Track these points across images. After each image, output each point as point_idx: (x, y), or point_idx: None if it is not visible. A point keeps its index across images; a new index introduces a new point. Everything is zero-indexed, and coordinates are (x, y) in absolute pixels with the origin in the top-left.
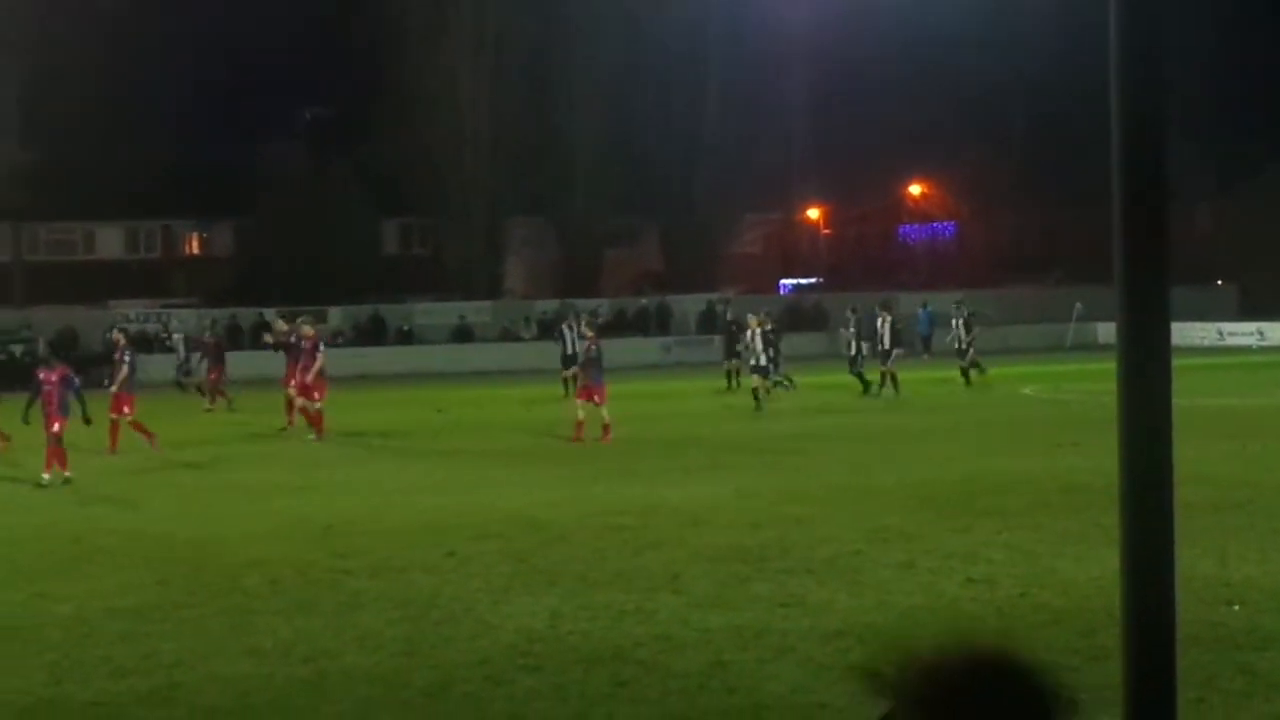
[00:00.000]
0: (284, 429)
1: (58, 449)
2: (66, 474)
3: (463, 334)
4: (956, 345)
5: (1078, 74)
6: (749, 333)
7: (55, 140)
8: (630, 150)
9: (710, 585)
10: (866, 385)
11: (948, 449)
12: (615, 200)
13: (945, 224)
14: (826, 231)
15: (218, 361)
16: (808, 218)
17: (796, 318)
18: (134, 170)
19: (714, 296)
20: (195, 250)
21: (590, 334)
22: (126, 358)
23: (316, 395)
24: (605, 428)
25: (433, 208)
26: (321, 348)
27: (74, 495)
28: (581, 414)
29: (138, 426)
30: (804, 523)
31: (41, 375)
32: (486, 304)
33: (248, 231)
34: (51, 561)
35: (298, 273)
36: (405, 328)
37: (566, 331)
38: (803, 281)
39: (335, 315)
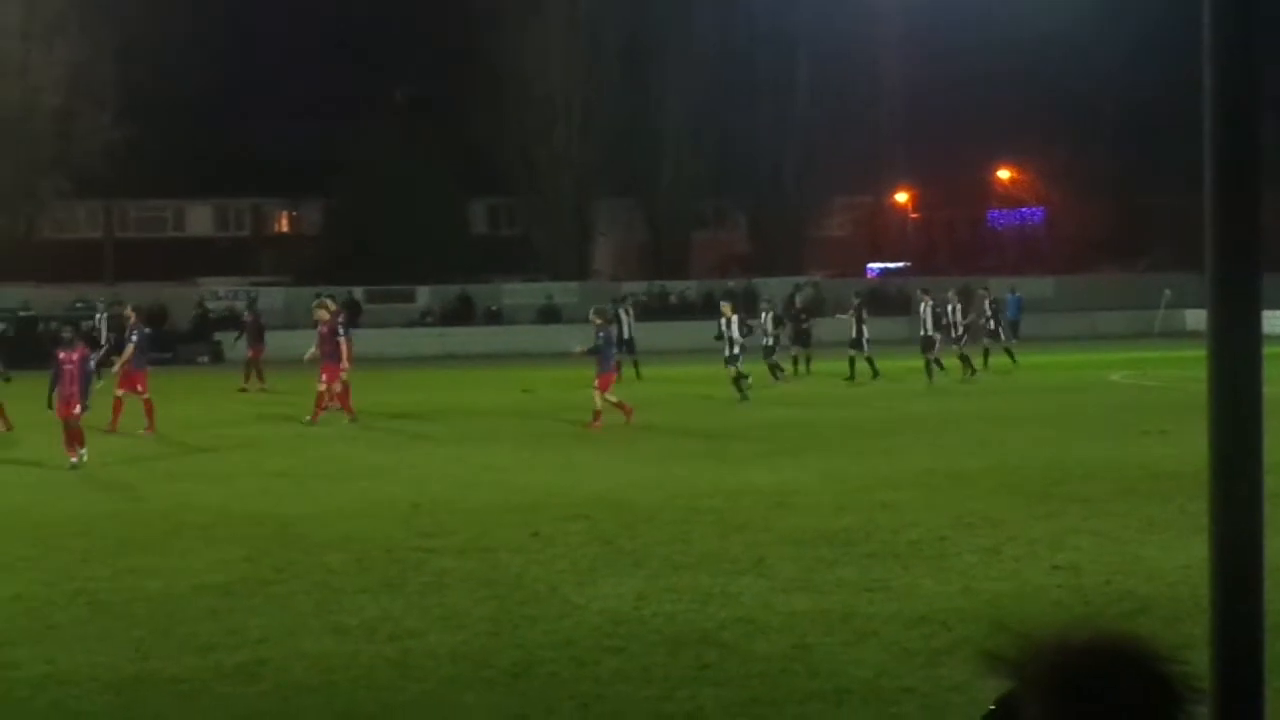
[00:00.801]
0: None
1: (76, 431)
2: (80, 457)
3: (550, 314)
4: (988, 329)
5: (1170, 58)
6: (723, 320)
7: (147, 117)
8: (720, 132)
9: (795, 569)
10: (940, 367)
11: (1034, 434)
12: (704, 182)
13: (1034, 209)
14: (915, 215)
15: (256, 340)
16: (896, 201)
17: (881, 302)
18: (224, 148)
19: (801, 279)
20: (284, 228)
21: (598, 320)
22: (135, 336)
23: (325, 377)
24: (596, 414)
25: (522, 188)
26: (341, 331)
27: (163, 471)
28: (608, 400)
29: (148, 406)
30: (889, 507)
31: (61, 356)
32: (574, 285)
33: (337, 210)
34: (140, 538)
35: (386, 252)
36: (493, 308)
37: (623, 315)
38: (890, 265)
39: (423, 295)
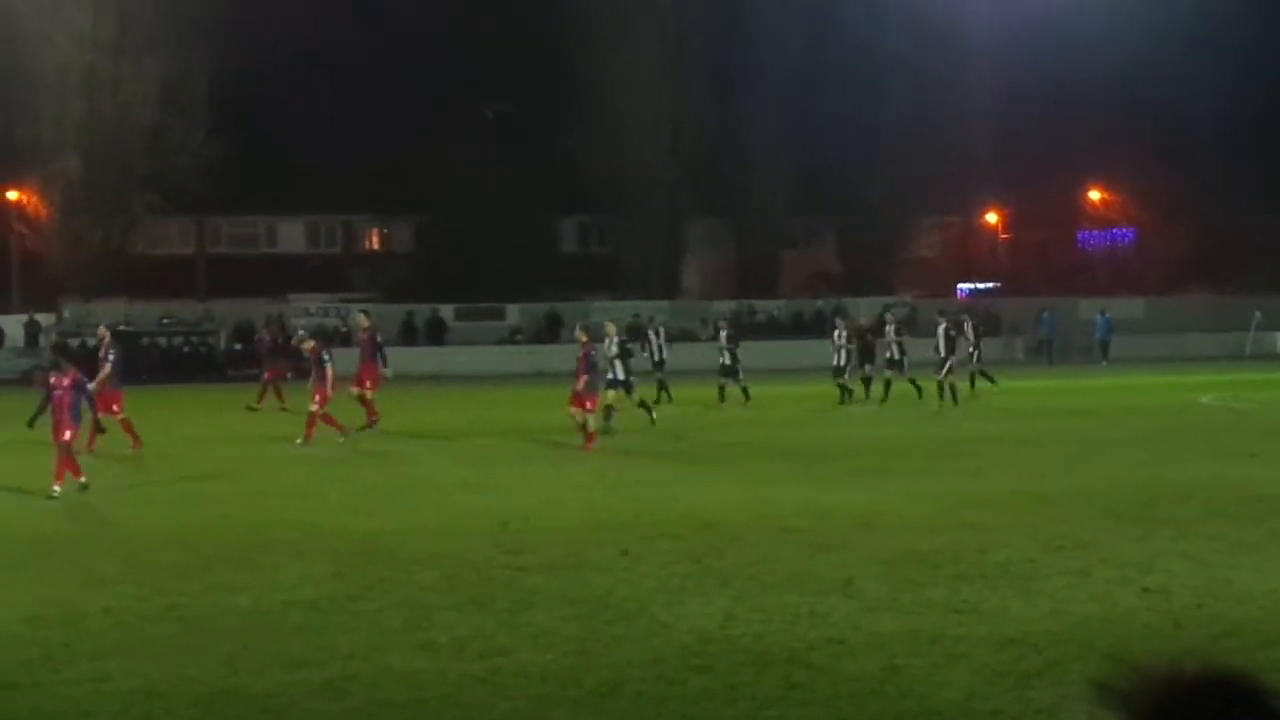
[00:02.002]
0: (364, 427)
1: (69, 458)
2: (82, 480)
3: (639, 333)
4: (970, 351)
5: (1263, 80)
6: (607, 340)
7: (240, 134)
8: (810, 150)
9: (883, 589)
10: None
11: (1124, 456)
12: (794, 201)
13: (1125, 230)
14: (1005, 236)
15: (272, 360)
16: (986, 222)
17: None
18: (316, 165)
19: (890, 300)
20: (375, 246)
21: (584, 339)
22: (111, 355)
23: (319, 399)
24: (589, 435)
25: (612, 206)
26: (326, 357)
27: (255, 486)
28: (585, 420)
29: (126, 425)
30: (978, 528)
31: (53, 380)
32: (664, 303)
33: (427, 228)
34: (230, 553)
35: (476, 270)
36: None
37: (653, 336)
38: (980, 286)
39: (513, 312)
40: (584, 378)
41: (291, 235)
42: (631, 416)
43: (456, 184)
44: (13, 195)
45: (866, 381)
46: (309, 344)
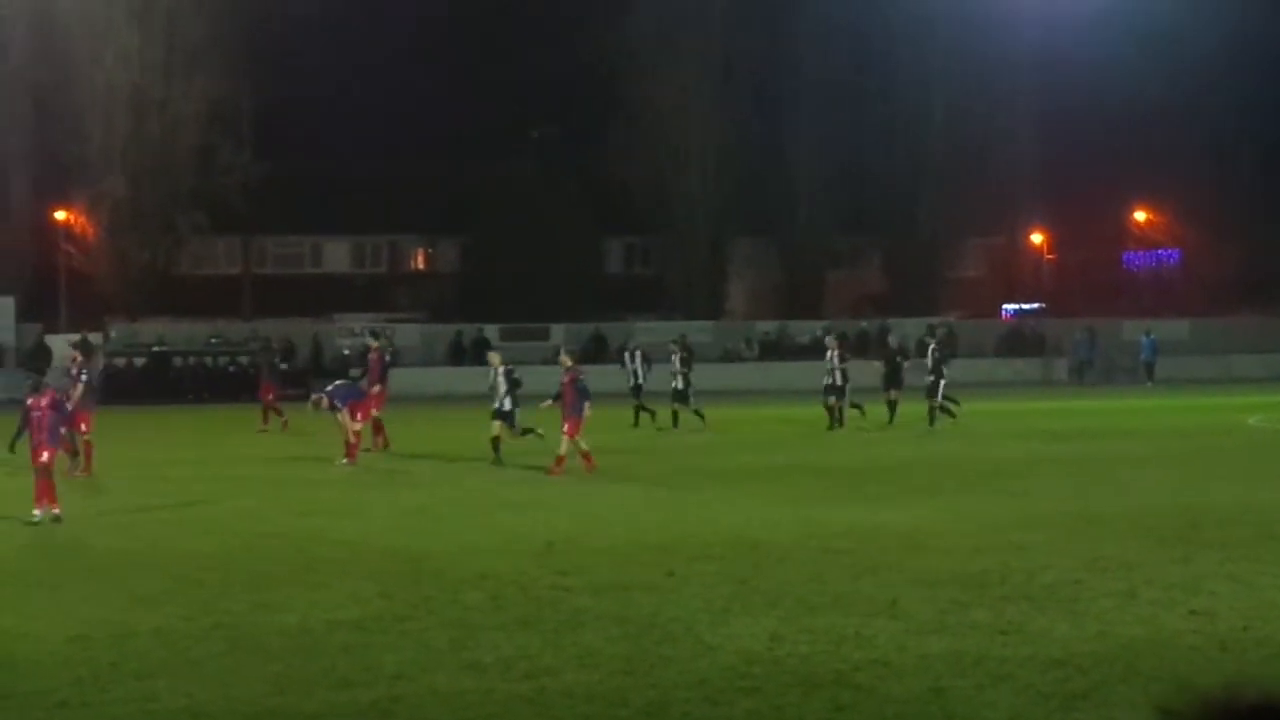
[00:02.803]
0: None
1: (47, 482)
2: (56, 511)
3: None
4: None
5: None
6: (493, 372)
7: (286, 154)
8: (854, 171)
9: (929, 611)
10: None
11: (1169, 477)
12: (839, 221)
13: (1170, 251)
14: (1050, 257)
15: (271, 379)
16: (1031, 242)
17: (1017, 343)
18: (361, 185)
19: (935, 320)
20: (420, 266)
21: (569, 364)
22: (83, 375)
23: (360, 416)
24: (559, 459)
25: (657, 227)
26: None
27: (301, 506)
28: (577, 445)
29: (87, 446)
30: (1024, 549)
31: (30, 402)
32: (708, 324)
33: (473, 248)
34: (276, 572)
35: (521, 290)
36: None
37: (628, 360)
38: (1025, 307)
39: (557, 333)
40: (570, 403)
41: (337, 255)
42: (689, 435)
43: (502, 204)
44: (60, 215)
45: (892, 405)
46: (375, 345)
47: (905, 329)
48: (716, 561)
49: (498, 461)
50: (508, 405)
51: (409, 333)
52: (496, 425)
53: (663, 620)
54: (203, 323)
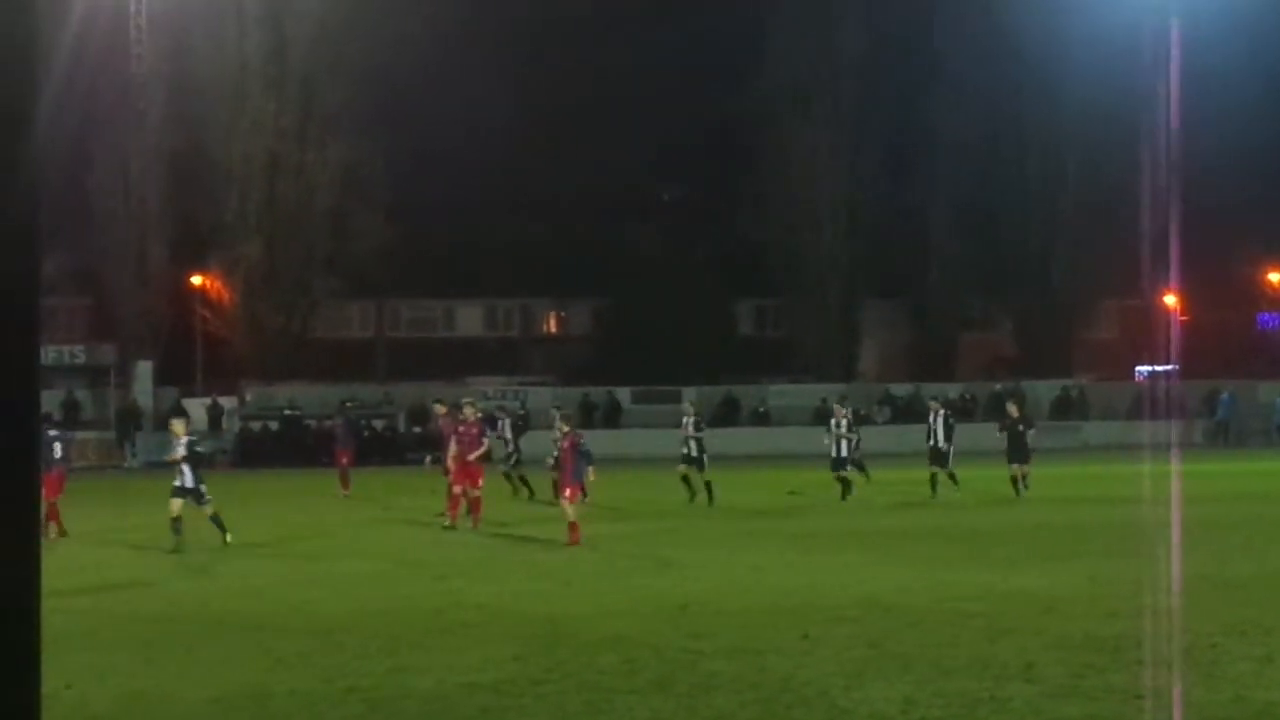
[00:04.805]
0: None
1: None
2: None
3: (823, 416)
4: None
5: None
6: (175, 441)
7: (419, 219)
8: (986, 232)
9: (1064, 674)
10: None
11: None
12: (971, 283)
13: None
14: (1184, 318)
15: (346, 445)
16: (1164, 303)
17: (1150, 405)
18: (494, 249)
19: (1068, 383)
20: (553, 329)
21: (566, 429)
22: (57, 442)
23: (480, 481)
24: (572, 527)
25: (788, 288)
26: (487, 432)
27: (435, 569)
28: (572, 514)
29: (52, 511)
30: (1159, 613)
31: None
32: (840, 386)
33: (605, 310)
34: (411, 635)
35: (653, 352)
36: (760, 409)
37: (500, 424)
38: (1158, 368)
39: (689, 395)
40: (571, 468)
41: (469, 318)
42: (826, 499)
43: (633, 267)
44: (197, 280)
45: (1014, 481)
46: (469, 411)
47: (1038, 391)
48: (850, 624)
49: (178, 548)
50: (189, 481)
51: (541, 396)
52: (177, 504)
53: (796, 684)
54: (336, 386)
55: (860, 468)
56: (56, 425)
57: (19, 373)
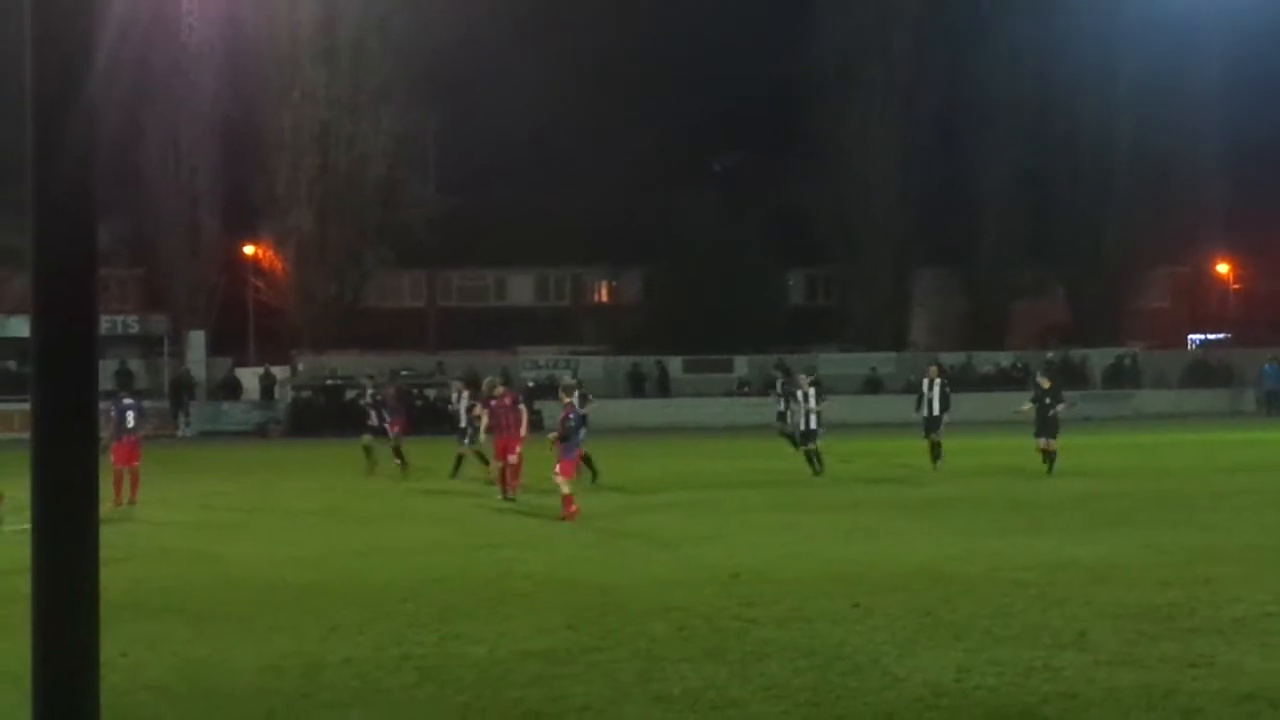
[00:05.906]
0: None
1: None
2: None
3: (873, 385)
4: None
5: None
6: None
7: (469, 188)
8: (1038, 200)
9: (1117, 643)
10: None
11: None
12: (1023, 251)
13: None
14: (1236, 286)
15: (397, 414)
16: (1217, 272)
17: (1202, 373)
18: (545, 218)
19: (1121, 350)
20: (604, 298)
21: (567, 399)
22: (129, 411)
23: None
24: (567, 499)
25: (839, 257)
26: (521, 402)
27: (488, 538)
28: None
29: (118, 478)
30: (1213, 582)
31: None
32: (891, 355)
33: (656, 280)
34: (464, 604)
35: (704, 322)
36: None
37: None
38: (1211, 337)
39: (740, 364)
40: (562, 440)
41: (521, 288)
42: (877, 468)
43: (685, 236)
44: (249, 250)
45: (1047, 455)
46: (499, 390)
47: (1091, 359)
48: (902, 593)
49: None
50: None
51: (593, 365)
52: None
53: (848, 652)
54: (388, 356)
55: (797, 442)
56: (133, 394)
57: (78, 347)
